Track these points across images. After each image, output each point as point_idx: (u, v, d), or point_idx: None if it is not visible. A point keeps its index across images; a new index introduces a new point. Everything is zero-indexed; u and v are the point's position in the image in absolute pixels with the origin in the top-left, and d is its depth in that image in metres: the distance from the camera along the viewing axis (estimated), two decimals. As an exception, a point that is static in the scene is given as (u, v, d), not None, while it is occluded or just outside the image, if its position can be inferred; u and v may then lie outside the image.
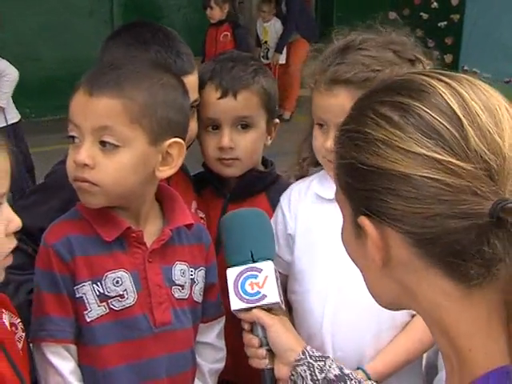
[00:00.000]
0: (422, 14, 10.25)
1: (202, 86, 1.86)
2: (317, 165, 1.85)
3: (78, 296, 1.47)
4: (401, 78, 0.97)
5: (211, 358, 1.71)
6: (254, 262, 1.49)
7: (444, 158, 0.85)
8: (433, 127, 0.87)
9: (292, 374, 1.42)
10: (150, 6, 9.88)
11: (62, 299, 1.46)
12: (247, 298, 1.47)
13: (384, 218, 0.90)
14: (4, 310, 1.32)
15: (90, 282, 1.47)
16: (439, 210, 0.85)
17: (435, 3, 10.39)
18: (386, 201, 0.89)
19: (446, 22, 10.26)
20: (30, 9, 8.66)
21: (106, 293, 1.47)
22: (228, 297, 1.49)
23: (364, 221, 0.93)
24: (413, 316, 1.69)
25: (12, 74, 4.74)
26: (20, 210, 1.80)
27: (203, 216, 1.92)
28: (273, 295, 1.47)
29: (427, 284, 0.90)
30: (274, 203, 1.91)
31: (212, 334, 1.71)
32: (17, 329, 1.35)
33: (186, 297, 1.59)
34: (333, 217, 1.71)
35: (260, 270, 1.48)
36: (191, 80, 1.74)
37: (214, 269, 1.69)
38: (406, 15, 9.74)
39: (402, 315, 1.69)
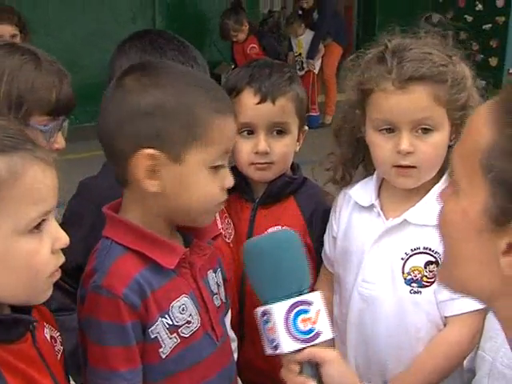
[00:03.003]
0: (466, 16, 10.13)
1: (238, 90, 1.86)
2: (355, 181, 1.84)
3: (152, 337, 1.37)
4: None
5: None
6: (299, 294, 1.34)
7: None
8: None
9: None
10: (191, 12, 9.95)
11: (133, 351, 1.35)
12: (302, 337, 1.31)
13: None
14: (45, 324, 1.31)
15: (160, 319, 1.37)
16: None
17: (480, 5, 10.26)
18: None
19: (490, 25, 10.12)
20: (76, 18, 8.80)
21: (175, 323, 1.39)
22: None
23: None
24: (439, 330, 1.67)
25: None
26: None
27: (227, 215, 1.92)
28: (328, 331, 1.34)
29: None
30: (302, 206, 1.92)
31: (228, 327, 1.68)
32: (56, 342, 1.33)
33: (220, 302, 1.57)
34: (367, 225, 1.72)
35: (310, 303, 1.33)
36: None
37: (221, 264, 1.62)
38: (450, 18, 9.63)
39: (427, 328, 1.67)
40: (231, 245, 1.89)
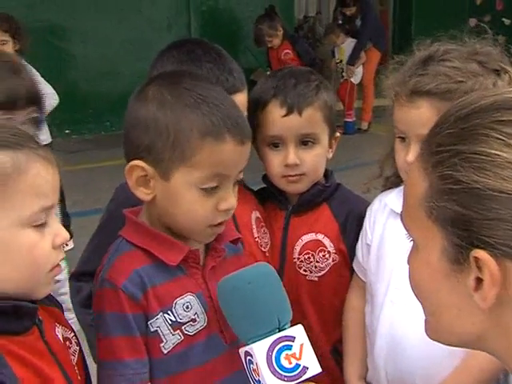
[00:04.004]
0: (504, 19, 10.00)
1: (264, 103, 1.84)
2: (400, 183, 1.81)
3: (152, 330, 1.39)
4: (506, 96, 0.91)
5: None
6: (279, 330, 1.28)
7: None
8: None
9: None
10: (226, 19, 10.00)
11: (136, 341, 1.38)
12: (287, 374, 1.25)
13: (509, 250, 0.84)
14: (58, 324, 1.33)
15: (161, 313, 1.39)
16: None
17: (518, 8, 10.12)
18: None
19: (529, 28, 9.97)
20: (112, 26, 8.91)
21: (179, 320, 1.40)
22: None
23: (482, 254, 0.85)
24: None
25: (56, 98, 4.77)
26: (87, 253, 1.83)
27: (264, 225, 1.90)
28: (314, 366, 1.28)
29: None
30: (336, 213, 1.89)
31: None
32: (71, 343, 1.35)
33: None
34: (402, 232, 1.69)
35: (293, 339, 1.27)
36: (242, 98, 1.72)
37: None
38: (487, 21, 9.52)
39: None
40: (267, 254, 1.87)
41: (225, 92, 1.48)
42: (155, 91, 1.39)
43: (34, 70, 4.57)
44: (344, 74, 8.96)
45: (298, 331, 1.29)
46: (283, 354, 1.25)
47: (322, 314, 1.88)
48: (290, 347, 1.26)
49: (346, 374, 1.83)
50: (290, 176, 1.85)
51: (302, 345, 1.27)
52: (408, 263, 1.03)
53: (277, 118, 1.82)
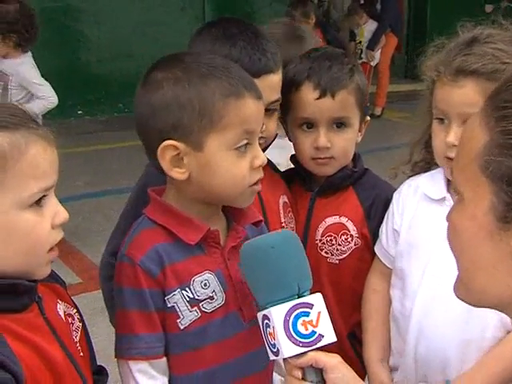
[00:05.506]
0: (520, 6, 9.89)
1: (297, 84, 1.83)
2: (428, 170, 1.80)
3: (169, 306, 1.43)
4: None
5: None
6: (299, 296, 1.28)
7: None
8: None
9: None
10: (241, 1, 9.96)
11: (151, 316, 1.42)
12: (303, 340, 1.26)
13: None
14: (60, 301, 1.34)
15: (179, 290, 1.43)
16: None
17: (535, -6, 10.02)
18: None
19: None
20: (125, 7, 8.89)
21: (196, 297, 1.43)
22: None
23: None
24: (508, 332, 1.62)
25: (54, 101, 4.74)
26: (117, 234, 1.82)
27: (290, 210, 1.90)
28: (330, 334, 1.28)
29: None
30: (361, 197, 1.89)
31: None
32: (73, 319, 1.37)
33: None
34: (437, 218, 1.67)
35: (311, 306, 1.28)
36: (275, 79, 1.70)
37: None
38: (504, 7, 9.43)
39: (493, 328, 1.62)
40: None
41: (226, 59, 1.51)
42: (164, 75, 1.42)
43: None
44: (363, 55, 8.94)
45: (317, 299, 1.29)
46: (300, 320, 1.26)
47: (341, 297, 1.88)
48: (307, 314, 1.27)
49: (367, 355, 1.83)
50: (320, 158, 1.85)
51: (319, 313, 1.28)
52: (448, 217, 1.03)
53: (310, 100, 1.81)
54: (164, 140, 1.39)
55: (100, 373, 1.49)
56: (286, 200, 1.89)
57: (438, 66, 1.64)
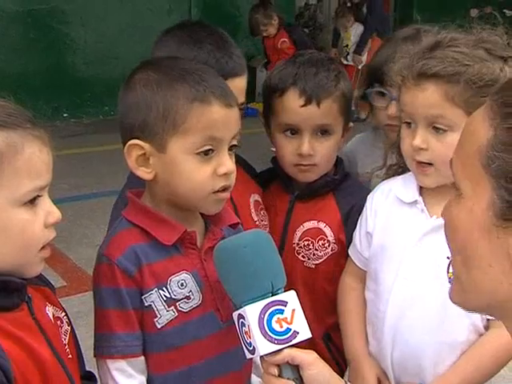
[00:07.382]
0: (505, 10, 9.96)
1: (282, 90, 1.83)
2: (402, 173, 1.81)
3: (146, 305, 1.44)
4: None
5: None
6: (273, 294, 1.30)
7: None
8: None
9: None
10: (226, 5, 9.96)
11: (129, 315, 1.43)
12: (277, 338, 1.27)
13: None
14: (48, 304, 1.35)
15: (156, 289, 1.44)
16: None
17: (520, -1, 10.10)
18: None
19: (530, 19, 9.94)
20: (112, 9, 8.88)
21: (173, 296, 1.45)
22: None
23: None
24: (480, 335, 1.64)
25: None
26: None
27: (263, 207, 1.91)
28: (305, 330, 1.29)
29: None
30: (340, 203, 1.89)
31: None
32: (62, 322, 1.38)
33: None
34: (409, 221, 1.70)
35: (285, 303, 1.29)
36: (240, 82, 1.71)
37: None
38: (489, 12, 9.48)
39: (466, 332, 1.64)
40: None
41: (205, 65, 1.52)
42: (140, 76, 1.46)
43: None
44: (349, 57, 8.98)
45: (291, 297, 1.31)
46: (275, 318, 1.27)
47: (316, 301, 1.89)
48: (281, 311, 1.28)
49: (353, 350, 1.80)
50: (303, 165, 1.85)
51: (293, 310, 1.29)
52: (444, 213, 1.03)
53: (295, 107, 1.81)
54: (132, 139, 1.42)
55: (89, 378, 1.49)
56: (258, 198, 1.90)
57: (402, 70, 1.65)
